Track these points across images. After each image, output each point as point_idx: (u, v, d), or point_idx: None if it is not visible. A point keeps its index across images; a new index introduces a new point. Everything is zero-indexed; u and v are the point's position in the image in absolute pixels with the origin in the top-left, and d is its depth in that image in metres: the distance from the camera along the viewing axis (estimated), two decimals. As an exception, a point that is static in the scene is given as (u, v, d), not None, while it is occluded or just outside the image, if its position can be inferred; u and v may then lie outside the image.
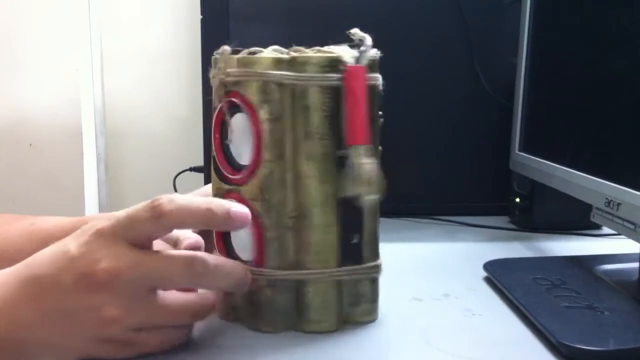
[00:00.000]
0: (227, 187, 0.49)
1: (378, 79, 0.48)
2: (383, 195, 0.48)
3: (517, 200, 0.86)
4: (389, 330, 0.49)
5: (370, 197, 0.47)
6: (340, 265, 0.47)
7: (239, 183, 0.48)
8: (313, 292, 0.47)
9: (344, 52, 0.46)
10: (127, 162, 1.48)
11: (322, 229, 0.47)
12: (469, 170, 0.92)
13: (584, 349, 0.43)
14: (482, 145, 0.91)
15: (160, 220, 0.41)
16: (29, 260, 0.42)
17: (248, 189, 0.47)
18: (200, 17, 0.89)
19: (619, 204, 0.53)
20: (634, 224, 0.51)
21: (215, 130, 0.50)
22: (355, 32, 0.48)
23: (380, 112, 0.49)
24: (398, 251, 0.71)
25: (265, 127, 0.46)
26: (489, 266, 0.62)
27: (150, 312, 0.41)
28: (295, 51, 0.47)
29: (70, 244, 0.41)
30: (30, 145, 1.47)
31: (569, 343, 0.44)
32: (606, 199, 0.55)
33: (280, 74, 0.45)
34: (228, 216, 0.43)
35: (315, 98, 0.46)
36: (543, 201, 0.82)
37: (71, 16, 1.37)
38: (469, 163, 0.92)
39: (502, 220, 0.88)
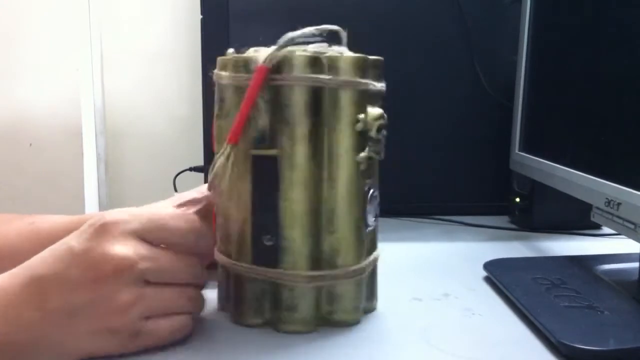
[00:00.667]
0: None
1: (285, 78, 0.45)
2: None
3: (517, 200, 0.86)
4: (389, 330, 0.49)
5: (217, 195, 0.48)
6: (252, 264, 0.47)
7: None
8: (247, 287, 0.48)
9: (263, 53, 0.45)
10: (127, 162, 1.48)
11: (239, 224, 0.48)
12: (469, 170, 0.92)
13: (583, 348, 0.43)
14: (482, 145, 0.91)
15: (193, 234, 0.45)
16: (29, 262, 0.42)
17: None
18: (200, 17, 0.89)
19: (619, 204, 0.53)
20: (634, 223, 0.51)
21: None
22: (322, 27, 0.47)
23: (379, 111, 0.49)
24: (398, 251, 0.71)
25: (217, 123, 0.49)
26: (489, 266, 0.62)
27: (160, 299, 0.42)
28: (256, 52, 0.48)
29: (73, 241, 0.41)
30: (30, 145, 1.47)
31: (569, 343, 0.44)
32: (606, 198, 0.55)
33: (218, 74, 0.49)
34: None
35: (233, 96, 0.47)
36: (543, 201, 0.82)
37: (71, 16, 1.37)
38: (469, 163, 0.92)
39: (502, 220, 0.88)
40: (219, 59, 0.49)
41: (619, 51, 0.58)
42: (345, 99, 0.46)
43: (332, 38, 0.48)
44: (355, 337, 0.47)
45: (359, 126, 0.47)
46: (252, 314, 0.48)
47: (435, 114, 0.90)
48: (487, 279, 0.61)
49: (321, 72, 0.46)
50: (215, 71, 0.49)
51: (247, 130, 0.46)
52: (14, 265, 0.42)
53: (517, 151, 0.79)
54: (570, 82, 0.68)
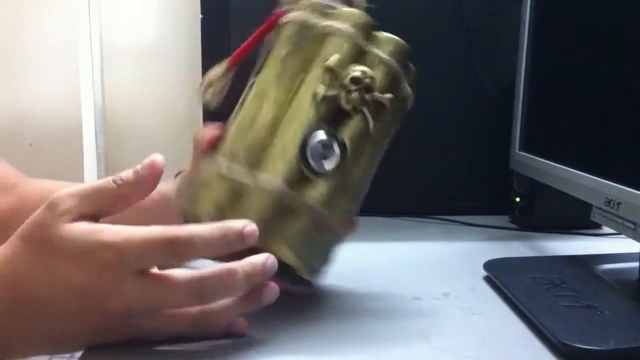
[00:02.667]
0: None
1: (285, 19, 0.51)
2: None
3: (517, 199, 0.86)
4: (389, 330, 0.49)
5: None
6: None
7: None
8: None
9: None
10: (127, 162, 1.48)
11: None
12: (469, 170, 0.92)
13: (583, 348, 0.43)
14: (482, 145, 0.91)
15: (177, 258, 0.41)
16: (16, 269, 0.41)
17: None
18: (200, 17, 0.89)
19: (619, 204, 0.53)
20: (634, 223, 0.51)
21: None
22: None
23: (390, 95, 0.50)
24: (398, 251, 0.71)
25: None
26: (489, 266, 0.62)
27: (156, 328, 0.43)
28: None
29: (67, 268, 0.40)
30: (30, 144, 1.47)
31: (569, 342, 0.44)
32: (606, 198, 0.55)
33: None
34: (242, 239, 0.42)
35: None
36: (543, 200, 0.82)
37: (71, 16, 1.37)
38: (469, 163, 0.91)
39: (502, 220, 0.88)
40: None
41: (619, 51, 0.58)
42: (329, 44, 0.49)
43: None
44: (355, 337, 0.47)
45: (328, 64, 0.48)
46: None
47: (435, 113, 0.90)
48: (487, 279, 0.61)
49: (320, 17, 0.49)
50: None
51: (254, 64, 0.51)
52: None
53: (517, 151, 0.79)
54: (570, 82, 0.68)
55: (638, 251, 0.58)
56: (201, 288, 0.41)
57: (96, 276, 0.40)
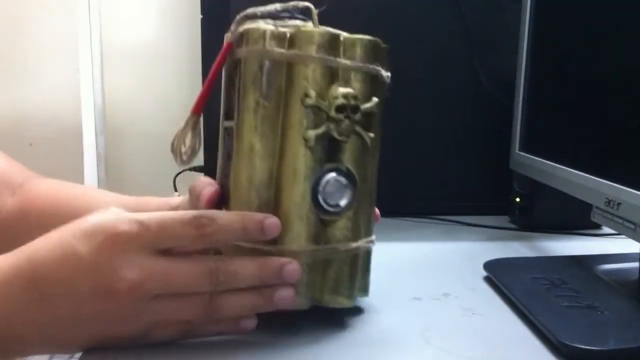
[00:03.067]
0: None
1: (242, 52, 0.46)
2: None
3: (517, 199, 0.86)
4: (389, 330, 0.49)
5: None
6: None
7: None
8: None
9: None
10: (127, 162, 1.48)
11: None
12: (469, 170, 0.92)
13: (583, 348, 0.43)
14: (482, 145, 0.91)
15: (201, 239, 0.41)
16: (31, 255, 0.40)
17: None
18: (200, 17, 0.89)
19: (619, 204, 0.53)
20: (634, 223, 0.51)
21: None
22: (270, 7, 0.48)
23: (375, 99, 0.48)
24: (398, 251, 0.71)
25: None
26: (489, 266, 0.62)
27: (166, 314, 0.42)
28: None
29: (79, 245, 0.39)
30: (30, 145, 1.47)
31: (569, 342, 0.44)
32: (606, 198, 0.55)
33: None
34: (261, 230, 0.43)
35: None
36: (543, 201, 0.82)
37: (71, 16, 1.37)
38: (469, 163, 0.91)
39: (502, 220, 0.88)
40: None
41: (619, 50, 0.58)
42: (300, 74, 0.45)
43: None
44: (355, 337, 0.47)
45: (308, 101, 0.45)
46: None
47: (435, 112, 0.90)
48: (487, 279, 0.61)
49: (280, 46, 0.46)
50: None
51: (222, 104, 0.49)
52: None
53: (517, 151, 0.79)
54: (571, 82, 0.68)
55: (638, 251, 0.58)
56: (215, 270, 0.41)
57: (107, 252, 0.39)
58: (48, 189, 0.64)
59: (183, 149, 0.48)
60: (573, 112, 0.67)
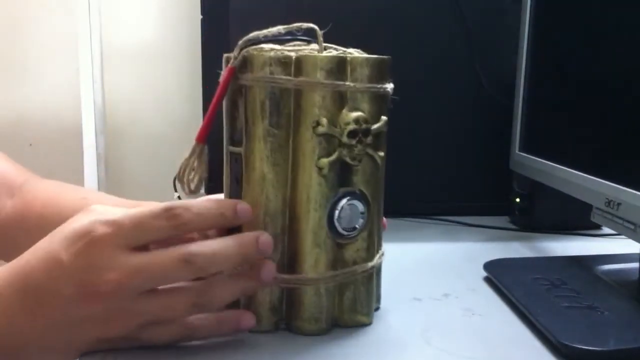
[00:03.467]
0: None
1: (248, 78, 0.45)
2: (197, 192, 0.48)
3: (517, 200, 0.86)
4: (389, 330, 0.49)
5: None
6: None
7: None
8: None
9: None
10: (127, 162, 1.48)
11: None
12: (469, 170, 0.91)
13: (584, 349, 0.43)
14: (482, 145, 0.91)
15: (177, 228, 0.41)
16: (21, 266, 0.42)
17: None
18: (200, 17, 0.89)
19: (619, 204, 0.53)
20: (634, 224, 0.51)
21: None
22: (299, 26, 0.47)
23: (383, 118, 0.48)
24: (398, 251, 0.71)
25: None
26: (489, 266, 0.62)
27: (153, 312, 0.41)
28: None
29: (62, 252, 0.40)
30: (30, 145, 1.47)
31: (569, 343, 0.44)
32: (606, 199, 0.55)
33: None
34: (235, 216, 0.44)
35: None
36: (543, 201, 0.82)
37: (71, 16, 1.37)
38: (469, 163, 0.91)
39: (502, 220, 0.87)
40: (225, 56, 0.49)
41: (619, 51, 0.58)
42: (309, 101, 0.45)
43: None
44: (355, 337, 0.47)
45: (320, 130, 0.45)
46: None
47: (435, 113, 0.90)
48: (487, 279, 0.61)
49: (286, 73, 0.45)
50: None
51: (227, 128, 0.47)
52: None
53: (517, 151, 0.79)
54: (571, 82, 0.68)
55: (638, 251, 0.58)
56: (194, 256, 0.41)
57: (86, 256, 0.40)
58: (47, 191, 0.64)
59: (190, 178, 0.47)
60: (573, 112, 0.67)
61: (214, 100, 0.46)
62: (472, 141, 0.91)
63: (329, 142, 0.45)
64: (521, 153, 0.78)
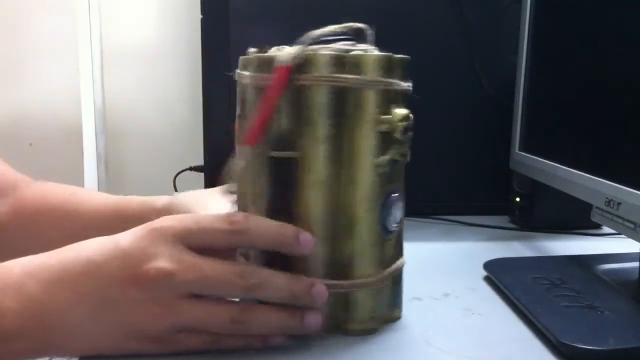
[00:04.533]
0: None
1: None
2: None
3: (517, 199, 0.86)
4: (389, 330, 0.49)
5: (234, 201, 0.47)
6: None
7: None
8: None
9: (286, 52, 0.44)
10: (127, 162, 1.48)
11: None
12: (469, 170, 0.92)
13: (583, 348, 0.43)
14: (482, 145, 0.91)
15: (237, 237, 0.42)
16: (75, 245, 0.42)
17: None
18: (200, 17, 0.89)
19: (619, 204, 0.53)
20: (634, 223, 0.51)
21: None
22: (331, 28, 0.47)
23: (405, 112, 0.47)
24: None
25: (237, 123, 0.48)
26: (489, 265, 0.62)
27: (193, 317, 0.41)
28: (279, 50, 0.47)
29: (122, 237, 0.41)
30: (30, 145, 1.47)
31: (569, 342, 0.44)
32: (606, 198, 0.55)
33: (240, 74, 0.47)
34: (296, 242, 0.43)
35: (250, 97, 0.46)
36: (543, 200, 0.82)
37: (71, 16, 1.37)
38: (469, 163, 0.91)
39: (502, 220, 0.88)
40: (241, 58, 0.48)
41: (619, 51, 0.58)
42: (369, 99, 0.45)
43: (358, 36, 0.48)
44: (355, 338, 0.47)
45: (384, 127, 0.45)
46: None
47: (435, 113, 0.90)
48: (487, 279, 0.61)
49: (344, 72, 0.44)
50: (237, 71, 0.48)
51: (267, 132, 0.45)
52: (55, 237, 0.42)
53: (517, 151, 0.79)
54: (570, 82, 0.68)
55: (638, 251, 0.58)
56: (247, 273, 0.41)
57: (143, 241, 0.40)
58: (39, 192, 0.65)
59: (242, 186, 0.47)
60: (573, 112, 0.67)
61: (270, 102, 0.44)
62: (472, 141, 0.91)
63: (385, 139, 0.46)
64: (521, 153, 0.78)
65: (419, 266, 0.67)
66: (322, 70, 0.44)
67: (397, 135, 0.46)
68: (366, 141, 0.45)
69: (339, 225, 0.46)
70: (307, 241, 0.44)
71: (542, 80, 0.76)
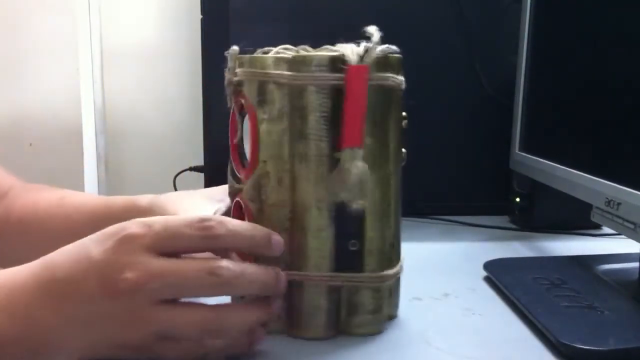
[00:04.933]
0: (237, 186, 0.49)
1: (389, 78, 0.46)
2: (366, 202, 0.46)
3: (517, 199, 0.86)
4: (389, 330, 0.49)
5: (357, 203, 0.46)
6: (334, 271, 0.46)
7: (242, 182, 0.48)
8: (305, 296, 0.46)
9: (348, 50, 0.44)
10: (127, 162, 1.48)
11: (315, 232, 0.46)
12: (469, 170, 0.92)
13: (583, 348, 0.43)
14: (482, 145, 0.91)
15: (209, 241, 0.41)
16: (48, 260, 0.42)
17: (246, 189, 0.47)
18: (200, 17, 0.89)
19: (619, 204, 0.53)
20: (634, 223, 0.51)
21: (231, 130, 0.50)
22: (370, 29, 0.46)
23: (404, 114, 0.50)
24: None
25: (263, 127, 0.46)
26: (489, 266, 0.62)
27: (170, 322, 0.41)
28: (304, 50, 0.47)
29: (93, 249, 0.41)
30: (30, 145, 1.47)
31: (569, 342, 0.44)
32: (606, 198, 0.55)
33: (278, 74, 0.45)
34: (269, 245, 0.44)
35: (312, 98, 0.45)
36: (543, 201, 0.82)
37: (71, 16, 1.37)
38: (469, 163, 0.91)
39: (502, 220, 0.88)
40: (249, 56, 0.47)
41: (618, 51, 0.58)
42: (397, 98, 0.48)
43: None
44: (356, 337, 0.47)
45: (405, 123, 0.50)
46: (323, 324, 0.47)
47: (435, 113, 0.90)
48: (487, 279, 0.61)
49: (387, 72, 0.47)
50: (244, 69, 0.47)
51: (325, 134, 0.45)
52: (41, 239, 0.42)
53: (517, 151, 0.79)
54: (570, 82, 0.68)
55: (638, 251, 0.58)
56: (221, 269, 0.41)
57: (115, 253, 0.40)
58: (27, 197, 0.64)
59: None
60: (573, 112, 0.67)
61: (361, 101, 0.44)
62: (472, 141, 0.91)
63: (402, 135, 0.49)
64: (521, 153, 0.78)
65: (419, 266, 0.67)
66: (380, 71, 0.46)
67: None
68: (395, 138, 0.49)
69: (384, 219, 0.48)
70: (279, 243, 0.44)
71: (542, 80, 0.76)
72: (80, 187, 1.37)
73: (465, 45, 0.89)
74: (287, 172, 0.46)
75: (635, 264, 0.58)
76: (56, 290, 0.40)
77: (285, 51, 0.47)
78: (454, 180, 0.92)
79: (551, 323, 0.47)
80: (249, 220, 0.46)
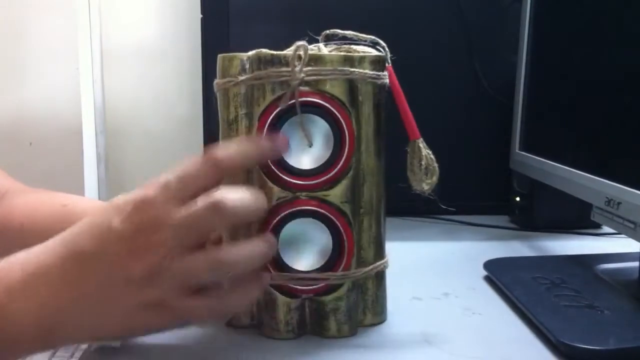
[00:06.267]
0: (284, 194, 0.46)
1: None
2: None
3: (517, 199, 0.86)
4: (389, 330, 0.49)
5: (428, 188, 0.52)
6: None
7: (313, 188, 0.46)
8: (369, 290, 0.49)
9: (374, 52, 0.48)
10: (128, 161, 1.48)
11: (381, 225, 0.50)
12: (469, 170, 0.92)
13: (583, 347, 0.43)
14: (482, 144, 0.91)
15: (218, 170, 0.43)
16: (67, 236, 0.42)
17: (337, 193, 0.46)
18: (200, 17, 0.89)
19: (619, 203, 0.53)
20: (634, 223, 0.51)
21: (267, 134, 0.46)
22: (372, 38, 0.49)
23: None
24: (398, 251, 0.71)
25: (353, 126, 0.46)
26: (489, 265, 0.62)
27: (186, 267, 0.41)
28: (313, 49, 0.47)
29: (113, 218, 0.41)
30: (30, 144, 1.47)
31: (569, 342, 0.44)
32: (606, 198, 0.55)
33: (362, 72, 0.46)
34: (269, 147, 0.45)
35: (372, 96, 0.48)
36: (543, 200, 0.82)
37: (71, 16, 1.37)
38: (469, 162, 0.91)
39: (502, 219, 0.88)
40: (318, 54, 0.46)
41: (618, 50, 0.58)
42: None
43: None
44: (356, 337, 0.47)
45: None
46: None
47: (435, 113, 0.90)
48: (487, 279, 0.61)
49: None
50: (325, 67, 0.45)
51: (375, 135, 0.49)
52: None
53: (517, 150, 0.79)
54: (570, 82, 0.68)
55: (638, 251, 0.58)
56: (222, 202, 0.41)
57: (136, 219, 0.41)
58: (27, 203, 0.63)
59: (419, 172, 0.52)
60: (573, 112, 0.67)
61: (402, 98, 0.49)
62: (472, 141, 0.91)
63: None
64: (521, 152, 0.78)
65: (419, 266, 0.67)
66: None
67: None
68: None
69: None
70: (284, 142, 0.46)
71: (542, 80, 0.76)
72: (80, 186, 1.37)
73: (465, 45, 0.89)
74: (361, 170, 0.48)
75: (635, 264, 0.58)
76: (76, 263, 0.40)
77: (325, 48, 0.48)
78: (454, 180, 0.92)
79: (551, 322, 0.47)
80: (341, 223, 0.46)
